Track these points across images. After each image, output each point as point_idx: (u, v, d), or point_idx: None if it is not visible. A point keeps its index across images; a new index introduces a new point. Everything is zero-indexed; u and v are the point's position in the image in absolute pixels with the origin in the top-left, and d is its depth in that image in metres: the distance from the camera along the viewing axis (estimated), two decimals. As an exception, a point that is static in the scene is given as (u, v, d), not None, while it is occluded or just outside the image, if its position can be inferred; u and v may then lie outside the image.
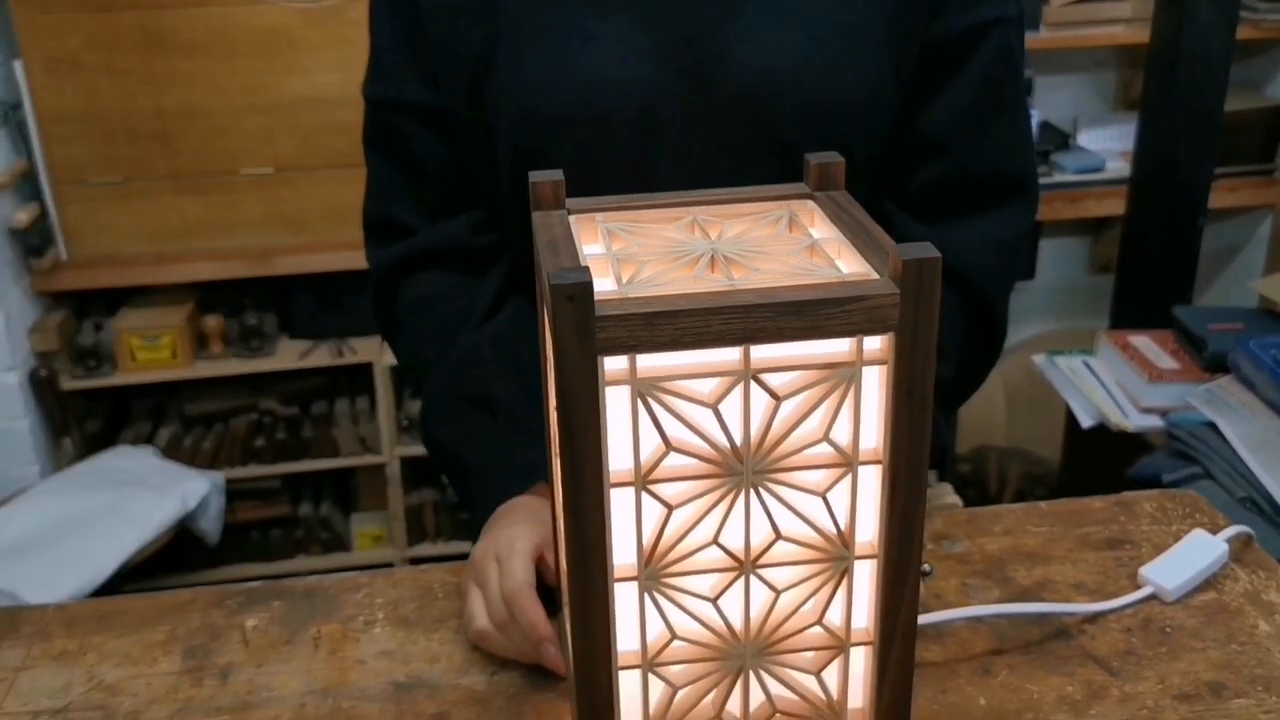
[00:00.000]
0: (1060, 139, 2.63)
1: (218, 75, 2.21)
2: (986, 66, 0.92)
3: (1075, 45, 2.50)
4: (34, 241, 2.23)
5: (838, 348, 0.58)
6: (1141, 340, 2.00)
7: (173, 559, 2.33)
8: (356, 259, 2.21)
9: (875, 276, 0.58)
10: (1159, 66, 2.12)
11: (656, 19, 0.87)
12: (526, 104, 0.89)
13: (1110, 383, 1.99)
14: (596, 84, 0.87)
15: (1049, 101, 2.69)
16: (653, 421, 0.58)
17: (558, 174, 0.68)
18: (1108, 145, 2.64)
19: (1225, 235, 2.74)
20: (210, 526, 2.31)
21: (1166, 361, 1.92)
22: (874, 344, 0.58)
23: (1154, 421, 1.87)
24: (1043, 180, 2.51)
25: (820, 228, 0.67)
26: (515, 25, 0.89)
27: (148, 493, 2.18)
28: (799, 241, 0.64)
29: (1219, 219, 2.66)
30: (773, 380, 0.57)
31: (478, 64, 0.91)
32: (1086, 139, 2.66)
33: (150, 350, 2.33)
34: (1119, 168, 2.50)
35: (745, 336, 0.56)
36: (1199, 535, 0.92)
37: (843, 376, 0.58)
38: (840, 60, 0.88)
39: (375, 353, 2.41)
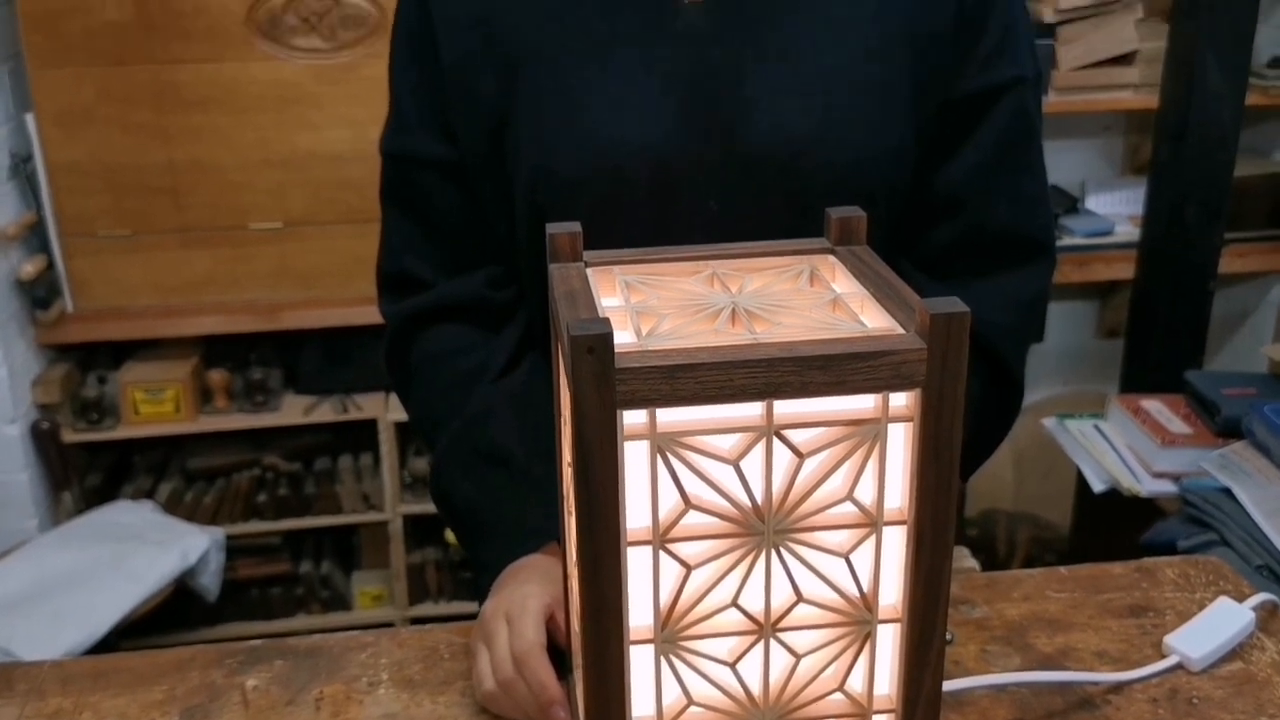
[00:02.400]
0: (1069, 203, 2.63)
1: (229, 130, 2.22)
2: (1004, 126, 0.92)
3: (1084, 110, 2.51)
4: (40, 293, 2.22)
5: (862, 404, 0.57)
6: (1153, 404, 1.98)
7: (171, 616, 2.29)
8: (364, 314, 2.22)
9: (901, 331, 0.57)
10: (1168, 132, 2.13)
11: (674, 78, 0.87)
12: (544, 162, 0.88)
13: (1122, 447, 1.97)
14: (614, 144, 0.87)
15: (1058, 165, 2.69)
16: (672, 478, 0.56)
17: (575, 226, 0.67)
18: (1116, 209, 2.64)
19: (1236, 300, 2.73)
20: (209, 583, 2.27)
21: (1179, 426, 1.91)
22: (900, 400, 0.56)
23: (1167, 487, 1.85)
24: (1052, 243, 2.51)
25: (842, 282, 0.66)
26: (534, 83, 0.89)
27: (147, 548, 2.16)
28: (821, 296, 0.63)
29: (1229, 284, 2.65)
30: (795, 437, 0.56)
31: (497, 120, 0.90)
32: (1095, 203, 2.66)
33: (153, 404, 2.32)
34: (1128, 232, 2.50)
35: (768, 391, 0.54)
36: (1224, 603, 0.90)
37: (867, 434, 0.56)
38: (858, 119, 0.88)
39: (380, 409, 2.39)
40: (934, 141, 0.92)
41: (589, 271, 0.66)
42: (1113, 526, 1.99)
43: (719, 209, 0.88)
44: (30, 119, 2.16)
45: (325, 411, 2.41)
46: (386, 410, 2.38)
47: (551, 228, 0.66)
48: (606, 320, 0.53)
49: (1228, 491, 1.67)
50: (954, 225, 0.93)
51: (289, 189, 2.28)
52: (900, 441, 0.57)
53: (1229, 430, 1.83)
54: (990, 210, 0.93)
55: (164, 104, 2.17)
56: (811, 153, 0.87)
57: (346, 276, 2.31)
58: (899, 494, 0.58)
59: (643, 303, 0.62)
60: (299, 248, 2.32)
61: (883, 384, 0.55)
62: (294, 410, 2.41)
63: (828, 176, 0.87)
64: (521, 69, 0.89)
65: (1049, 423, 2.13)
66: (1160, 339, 2.22)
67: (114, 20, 2.09)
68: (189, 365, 2.35)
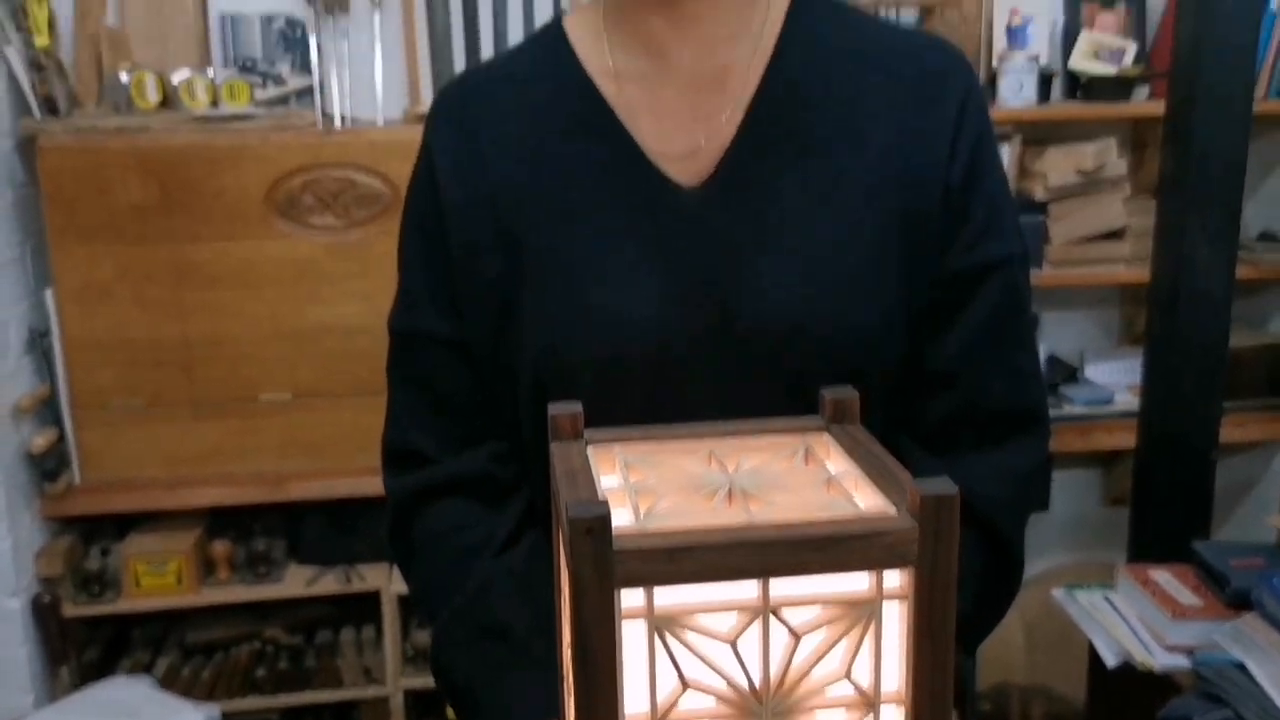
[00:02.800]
0: (1068, 372, 2.66)
1: (243, 304, 2.27)
2: (994, 303, 0.94)
3: (1078, 283, 2.57)
4: (49, 466, 2.24)
5: (857, 584, 0.57)
6: (1162, 575, 1.97)
7: (162, 796, 2.23)
8: (370, 485, 2.23)
9: (893, 512, 0.58)
10: (1161, 304, 2.17)
11: (674, 259, 0.90)
12: (547, 341, 0.91)
13: (1133, 619, 1.94)
14: (616, 324, 0.90)
15: (1056, 335, 2.75)
16: (670, 658, 0.56)
17: (576, 406, 0.69)
18: (1115, 379, 2.67)
19: (1239, 469, 2.73)
20: (204, 761, 2.22)
21: (1189, 598, 1.89)
22: (893, 579, 0.57)
23: (1180, 661, 1.82)
24: (1052, 413, 2.53)
25: (837, 461, 0.67)
26: (538, 264, 0.92)
27: (142, 725, 2.11)
28: (816, 475, 0.64)
29: (1232, 453, 2.66)
30: (792, 617, 0.57)
31: (502, 300, 0.93)
32: (1094, 372, 2.70)
33: (155, 576, 2.31)
34: (1128, 401, 2.52)
35: (764, 571, 0.55)
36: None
37: (862, 613, 0.57)
38: (852, 297, 0.90)
39: (384, 580, 2.38)
40: (927, 317, 0.94)
41: (589, 450, 0.68)
42: (1128, 701, 1.94)
43: (718, 383, 0.90)
44: (49, 294, 2.22)
45: (328, 582, 2.39)
46: (390, 581, 2.36)
47: (553, 408, 0.68)
48: (605, 502, 0.54)
49: (1242, 666, 1.64)
50: (949, 400, 0.95)
51: (299, 361, 2.32)
52: (895, 620, 0.58)
53: (1238, 602, 1.81)
54: (984, 385, 0.95)
55: (182, 280, 2.23)
56: (807, 330, 0.89)
57: (353, 447, 2.33)
58: (895, 674, 0.58)
59: (641, 482, 0.64)
60: (307, 418, 2.35)
61: (876, 563, 0.56)
62: (297, 581, 2.40)
63: (823, 353, 0.89)
64: (526, 251, 0.92)
65: (1058, 593, 2.10)
66: (1165, 508, 2.21)
67: (137, 202, 2.17)
68: (193, 536, 2.35)
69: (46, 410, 2.29)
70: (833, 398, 0.70)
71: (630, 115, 0.93)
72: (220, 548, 2.36)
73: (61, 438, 2.28)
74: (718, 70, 0.94)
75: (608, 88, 0.94)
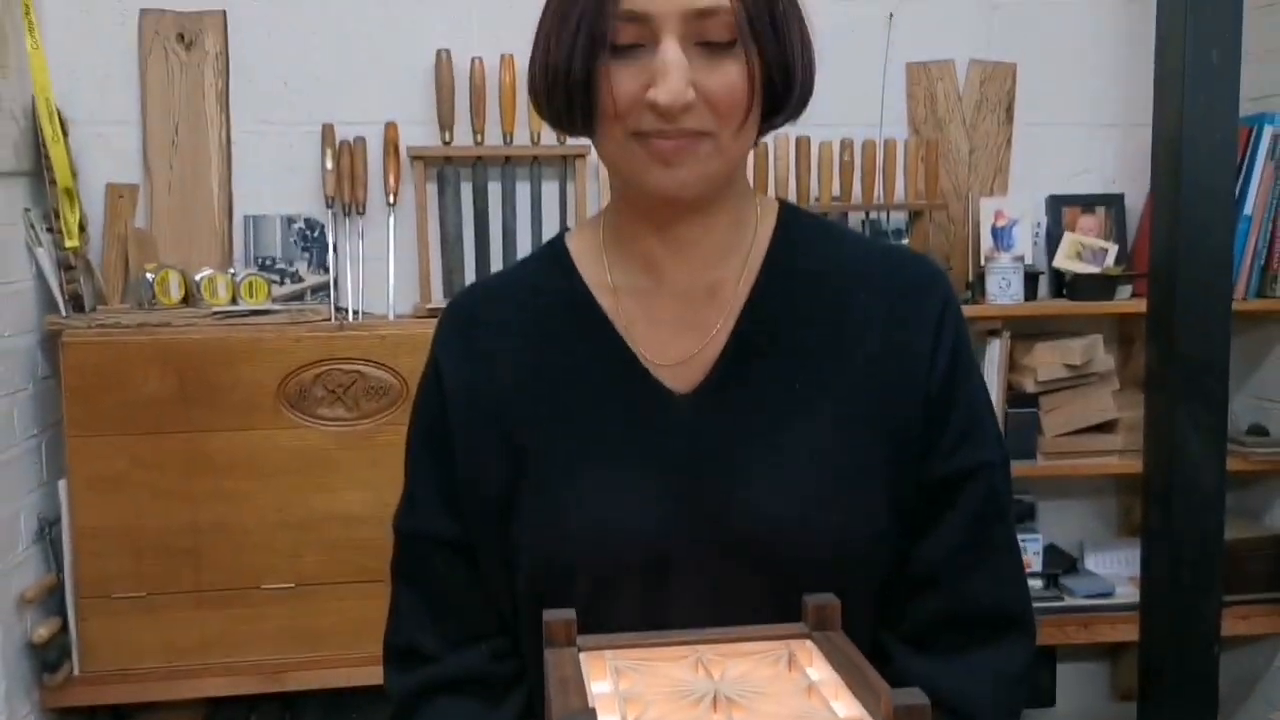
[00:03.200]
0: (1068, 563, 2.67)
1: (252, 493, 2.30)
2: (975, 507, 0.98)
3: (1072, 474, 2.61)
4: (51, 656, 2.24)
5: (836, 791, 0.60)
6: (1169, 774, 1.94)
7: None
8: (368, 674, 2.22)
9: (869, 720, 0.61)
10: (1155, 497, 2.20)
11: (666, 466, 0.95)
12: (545, 547, 0.95)
13: (1142, 820, 1.91)
14: (611, 532, 0.93)
15: (1054, 526, 2.76)
16: None
17: (570, 613, 0.72)
18: (1116, 570, 2.68)
19: (1244, 663, 2.71)
20: None
21: (1197, 798, 1.86)
22: (871, 788, 0.59)
23: None
24: (1053, 604, 2.53)
25: (818, 667, 0.70)
26: (538, 473, 0.97)
27: None
28: (798, 682, 0.67)
29: (1235, 646, 2.64)
30: (773, 825, 0.59)
31: (502, 506, 0.98)
32: (1094, 563, 2.70)
33: (150, 769, 2.27)
34: (1129, 593, 2.52)
35: (746, 779, 0.58)
36: None
37: (842, 821, 0.59)
38: (838, 504, 0.94)
39: (380, 775, 2.34)
40: (912, 520, 0.98)
41: (582, 656, 0.71)
42: None
43: (708, 586, 0.94)
44: (62, 485, 2.26)
45: (324, 777, 2.35)
46: (386, 777, 2.32)
47: (548, 614, 0.72)
48: (593, 711, 0.57)
49: None
50: (933, 603, 0.97)
51: (303, 549, 2.33)
52: (874, 829, 0.60)
53: (1248, 803, 1.78)
54: (968, 590, 0.97)
55: (194, 470, 2.27)
56: (795, 536, 0.93)
57: (353, 636, 2.32)
58: None
59: (631, 689, 0.67)
60: (308, 607, 2.35)
61: (853, 771, 0.59)
62: (291, 776, 2.36)
63: (810, 557, 0.93)
64: (527, 460, 0.97)
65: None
66: (1172, 702, 2.19)
67: (154, 394, 2.23)
68: (189, 728, 2.33)
69: (51, 600, 2.30)
70: (815, 604, 0.74)
71: (627, 327, 0.99)
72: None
73: (64, 627, 2.28)
74: (710, 285, 1.00)
75: (606, 300, 1.01)
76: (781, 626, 0.75)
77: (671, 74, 0.86)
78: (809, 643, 0.73)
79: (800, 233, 1.03)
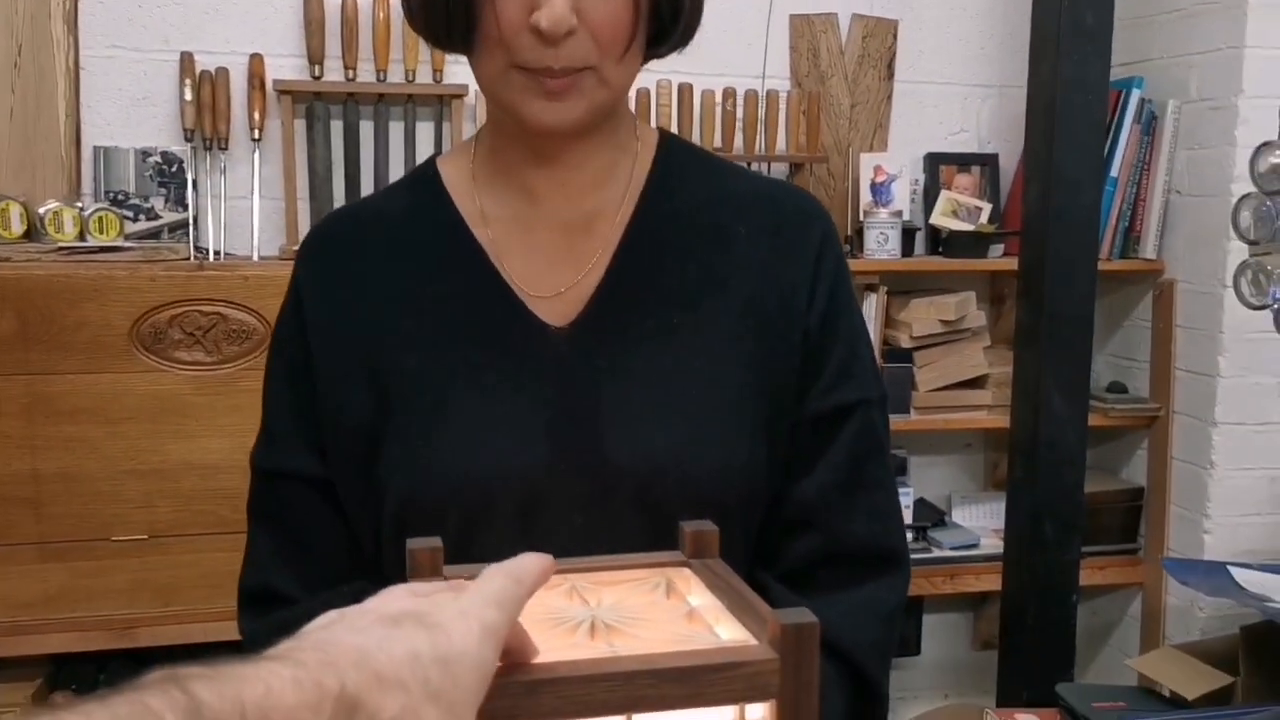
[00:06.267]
0: (936, 516, 2.72)
1: (101, 440, 2.18)
2: (852, 445, 0.96)
3: (943, 429, 2.65)
4: (-124, 610, 2.10)
5: (722, 718, 0.57)
6: (1027, 718, 1.99)
7: None
8: (226, 629, 2.12)
9: (754, 642, 0.58)
10: (1020, 451, 2.25)
11: (540, 401, 0.91)
12: (410, 484, 0.90)
13: (1002, 764, 1.95)
14: (482, 467, 0.89)
15: (924, 480, 2.81)
16: (527, 799, 0.54)
17: (436, 541, 0.67)
18: (981, 523, 2.74)
19: (1101, 612, 2.80)
20: None
21: (1055, 741, 1.91)
22: (756, 713, 0.56)
23: (1049, 804, 1.83)
24: (921, 556, 2.57)
25: (698, 594, 0.67)
26: (404, 405, 0.91)
27: None
28: (678, 608, 0.64)
29: (1093, 596, 2.73)
30: (654, 754, 0.55)
31: (366, 439, 0.92)
32: (961, 516, 2.76)
33: (-12, 731, 2.15)
34: (994, 544, 2.58)
35: (628, 705, 0.54)
36: None
37: (725, 749, 0.56)
38: (713, 438, 0.91)
39: (238, 733, 2.25)
40: (789, 459, 0.96)
41: (450, 585, 0.66)
42: None
43: (583, 522, 0.90)
44: (-109, 428, 2.11)
45: (177, 737, 2.26)
46: (244, 735, 2.24)
47: (412, 543, 0.67)
48: (461, 634, 0.53)
49: (1106, 809, 1.65)
50: (810, 540, 0.96)
51: (157, 499, 2.23)
52: (758, 757, 0.57)
53: (1103, 745, 1.84)
54: (846, 525, 0.96)
55: (35, 415, 2.14)
56: (669, 470, 0.90)
57: (211, 590, 2.23)
58: (759, 812, 0.57)
59: (501, 616, 0.62)
60: (162, 560, 2.24)
61: (738, 695, 0.55)
62: (143, 736, 2.26)
63: (685, 492, 0.90)
64: (393, 391, 0.92)
65: (929, 739, 2.11)
66: (1031, 650, 2.25)
67: (-9, 332, 2.09)
68: (31, 688, 2.21)
69: (-123, 551, 2.15)
70: (693, 532, 0.70)
71: (501, 257, 0.95)
72: (60, 700, 2.21)
73: (-108, 580, 2.13)
74: (588, 215, 0.96)
75: (479, 229, 0.96)
76: (658, 555, 0.71)
77: None
78: (687, 570, 0.69)
79: (680, 163, 1.00)
